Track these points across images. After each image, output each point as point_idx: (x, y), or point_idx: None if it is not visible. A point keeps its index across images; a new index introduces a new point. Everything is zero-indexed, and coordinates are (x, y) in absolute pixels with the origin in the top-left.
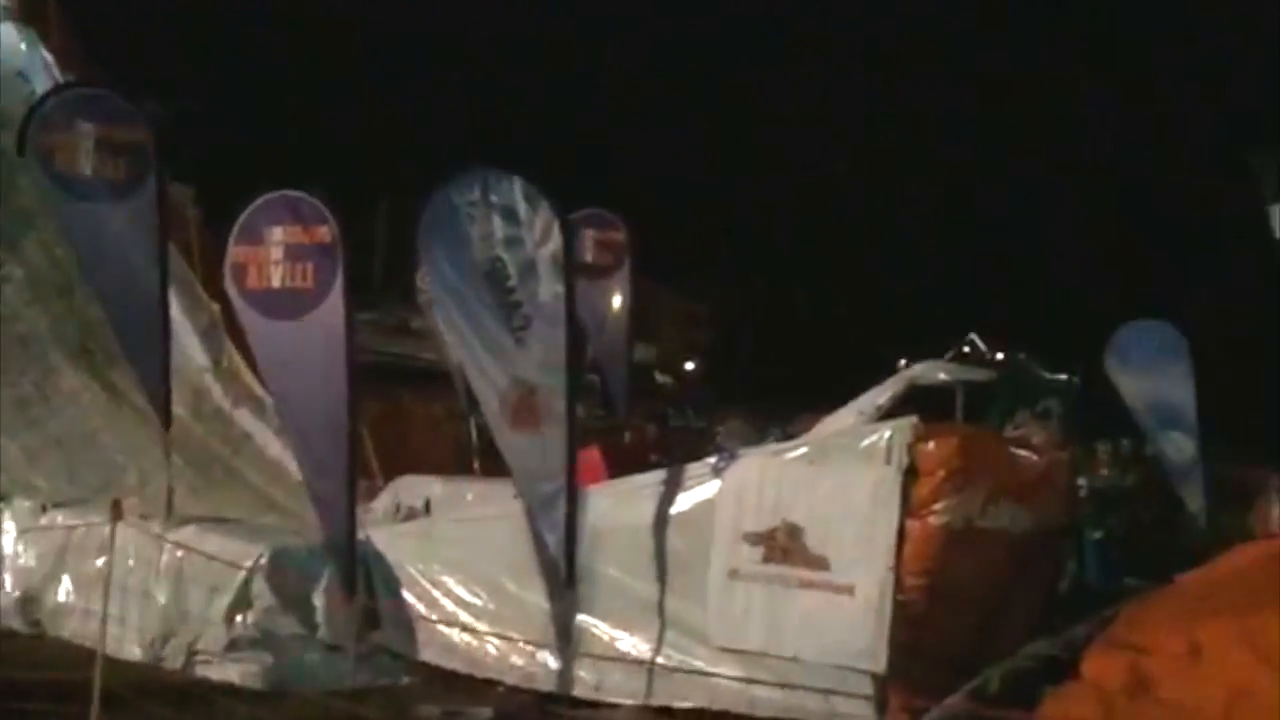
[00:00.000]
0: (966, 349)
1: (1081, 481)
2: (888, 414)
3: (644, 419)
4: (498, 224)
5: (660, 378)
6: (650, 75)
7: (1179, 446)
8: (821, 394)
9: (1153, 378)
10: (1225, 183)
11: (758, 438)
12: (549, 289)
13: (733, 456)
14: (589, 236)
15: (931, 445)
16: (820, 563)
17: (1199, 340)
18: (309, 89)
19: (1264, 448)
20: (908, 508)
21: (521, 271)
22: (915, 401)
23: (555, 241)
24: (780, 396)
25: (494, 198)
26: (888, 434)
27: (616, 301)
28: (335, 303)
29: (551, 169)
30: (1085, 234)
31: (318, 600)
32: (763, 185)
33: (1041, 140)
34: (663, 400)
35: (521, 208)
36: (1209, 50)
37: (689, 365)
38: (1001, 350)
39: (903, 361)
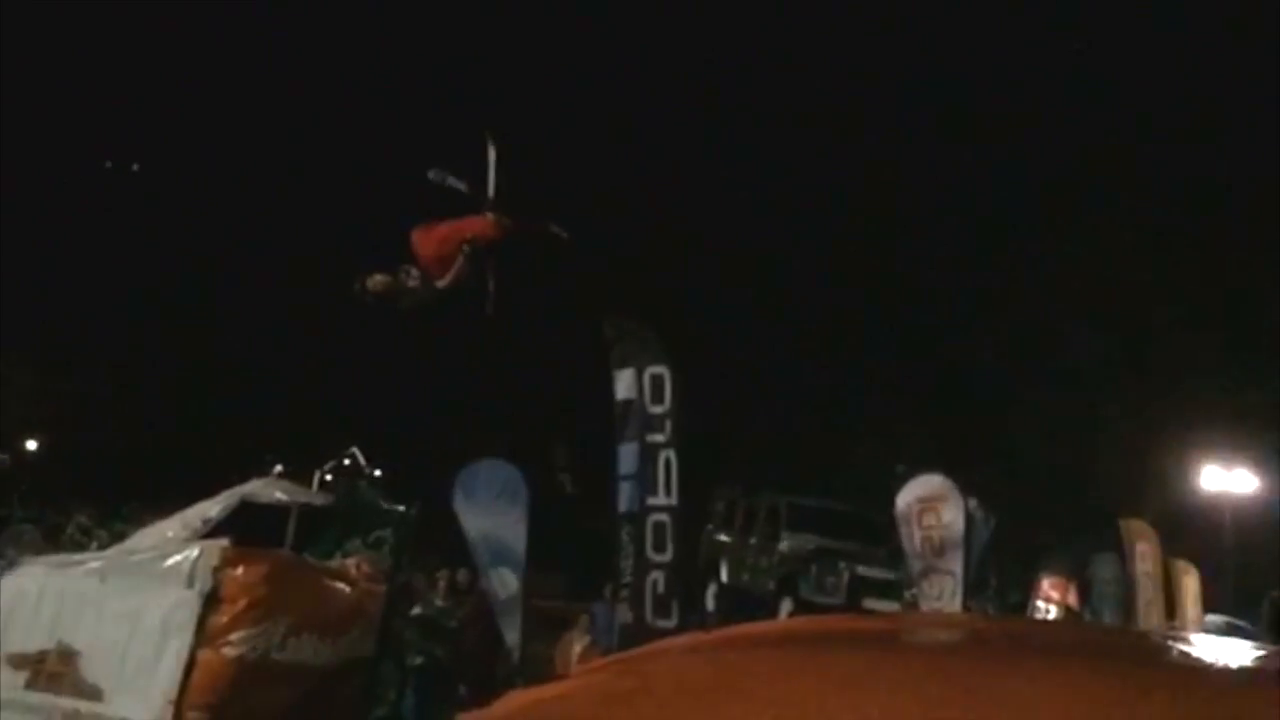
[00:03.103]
0: (347, 460)
1: (417, 610)
2: (217, 530)
3: None
4: None
5: None
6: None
7: (505, 582)
8: (189, 492)
9: (491, 515)
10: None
11: (50, 546)
12: None
13: (10, 565)
14: None
15: (239, 571)
16: (93, 692)
17: (543, 484)
18: None
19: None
20: (203, 636)
21: None
22: (250, 519)
23: None
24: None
25: None
26: (194, 554)
27: None
28: None
29: None
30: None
31: None
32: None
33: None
34: None
35: None
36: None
37: (32, 444)
38: (381, 467)
39: (279, 467)
